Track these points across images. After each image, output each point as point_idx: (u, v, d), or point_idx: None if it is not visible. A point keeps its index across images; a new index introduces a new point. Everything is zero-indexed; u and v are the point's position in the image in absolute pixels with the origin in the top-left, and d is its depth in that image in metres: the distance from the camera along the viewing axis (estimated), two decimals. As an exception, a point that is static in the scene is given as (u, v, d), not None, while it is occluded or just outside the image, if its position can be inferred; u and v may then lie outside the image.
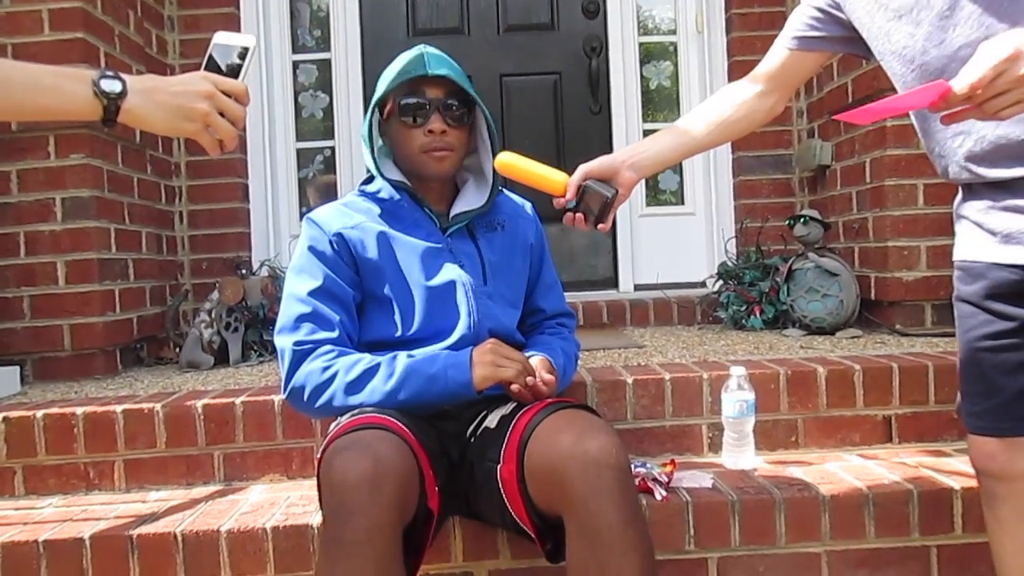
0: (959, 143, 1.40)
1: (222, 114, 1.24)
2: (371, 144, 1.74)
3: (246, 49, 1.29)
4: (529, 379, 1.57)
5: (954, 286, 1.47)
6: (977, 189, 1.42)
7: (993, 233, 1.38)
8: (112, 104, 1.15)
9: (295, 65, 3.68)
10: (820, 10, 1.60)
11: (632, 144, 1.72)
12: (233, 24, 3.45)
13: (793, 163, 3.48)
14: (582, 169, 1.62)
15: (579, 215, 1.61)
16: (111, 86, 1.15)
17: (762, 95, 1.70)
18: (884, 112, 1.28)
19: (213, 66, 1.28)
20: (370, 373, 1.56)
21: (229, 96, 1.25)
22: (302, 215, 3.60)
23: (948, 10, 1.35)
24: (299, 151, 3.69)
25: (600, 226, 1.62)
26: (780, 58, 1.68)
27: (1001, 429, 1.40)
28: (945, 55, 1.37)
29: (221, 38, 1.30)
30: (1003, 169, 1.35)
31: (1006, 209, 1.36)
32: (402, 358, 1.58)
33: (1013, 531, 1.43)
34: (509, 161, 1.64)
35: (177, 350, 2.90)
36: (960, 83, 1.13)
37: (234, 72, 1.27)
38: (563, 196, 1.61)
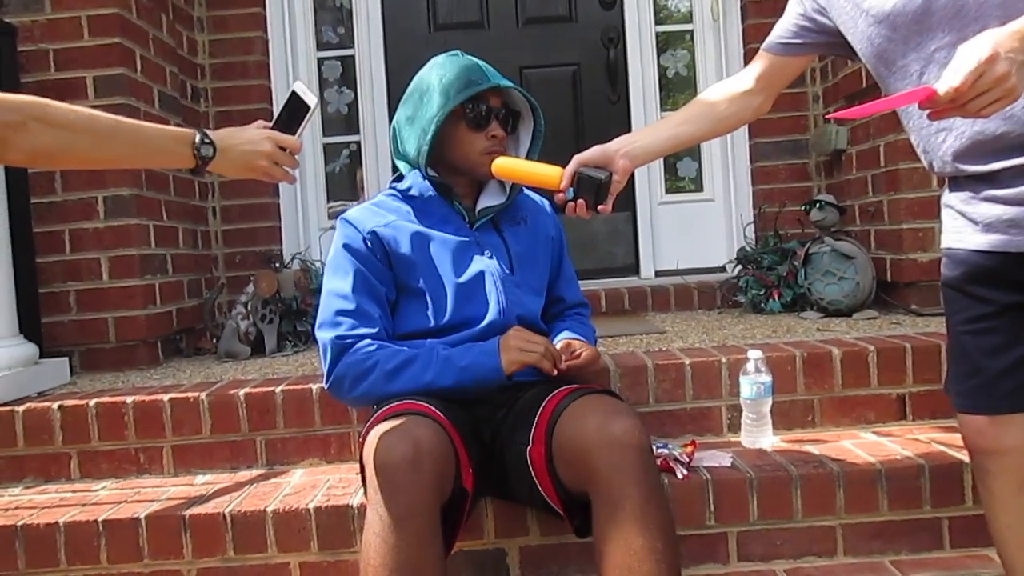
0: (942, 139, 1.46)
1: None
2: (397, 144, 1.84)
3: (308, 108, 1.60)
4: (557, 369, 1.67)
5: (941, 272, 1.53)
6: (960, 181, 1.48)
7: (974, 222, 1.44)
8: (204, 163, 1.50)
9: (320, 61, 3.75)
10: (806, 17, 1.67)
11: (628, 134, 1.80)
12: (259, 23, 3.54)
13: (809, 148, 3.52)
14: (576, 159, 1.67)
15: (579, 202, 1.65)
16: (207, 151, 1.49)
17: (750, 94, 1.78)
18: (875, 109, 1.35)
19: (287, 108, 1.61)
20: (409, 363, 1.65)
21: (285, 149, 1.57)
22: (329, 211, 3.69)
23: (922, 15, 1.41)
24: (325, 146, 3.76)
25: (600, 208, 1.65)
26: (767, 62, 1.76)
27: (986, 407, 1.46)
28: (922, 57, 1.44)
29: (300, 88, 1.61)
30: (981, 164, 1.41)
31: (986, 199, 1.42)
32: (439, 350, 1.67)
33: (1005, 503, 1.48)
34: (505, 164, 1.72)
35: (215, 341, 3.00)
36: (944, 87, 1.19)
37: (297, 122, 1.60)
38: (560, 189, 1.66)
